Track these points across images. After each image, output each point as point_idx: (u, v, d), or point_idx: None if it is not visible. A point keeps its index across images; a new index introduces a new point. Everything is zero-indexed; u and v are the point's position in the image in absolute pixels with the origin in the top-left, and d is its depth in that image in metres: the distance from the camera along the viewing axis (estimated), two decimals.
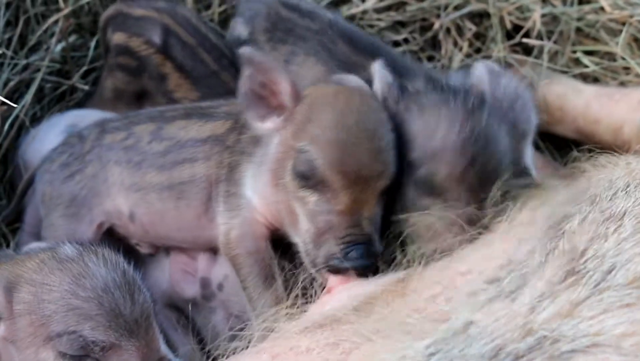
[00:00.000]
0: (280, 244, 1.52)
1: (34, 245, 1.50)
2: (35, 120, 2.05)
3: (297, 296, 1.43)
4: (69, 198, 1.65)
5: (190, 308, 1.59)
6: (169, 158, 1.58)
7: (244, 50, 1.46)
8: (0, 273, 1.31)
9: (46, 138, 1.95)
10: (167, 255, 1.67)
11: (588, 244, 1.21)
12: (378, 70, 1.51)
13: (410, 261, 1.40)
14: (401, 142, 1.43)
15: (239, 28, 1.95)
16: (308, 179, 1.37)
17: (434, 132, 1.41)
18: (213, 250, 1.62)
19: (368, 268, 1.37)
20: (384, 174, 1.38)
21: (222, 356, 1.39)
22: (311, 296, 1.43)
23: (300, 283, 1.45)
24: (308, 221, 1.39)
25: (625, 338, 0.99)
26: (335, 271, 1.38)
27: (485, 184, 1.41)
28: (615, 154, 1.51)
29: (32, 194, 1.88)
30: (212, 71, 1.87)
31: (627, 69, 2.06)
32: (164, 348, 1.32)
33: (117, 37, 1.94)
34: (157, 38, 1.90)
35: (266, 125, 1.46)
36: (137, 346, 1.28)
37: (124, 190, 1.61)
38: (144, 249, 1.65)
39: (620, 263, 1.13)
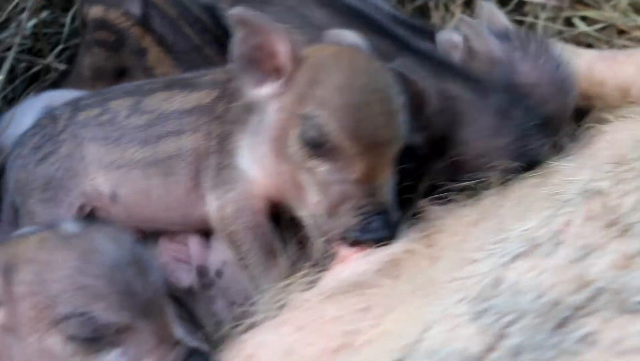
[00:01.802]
0: (280, 217, 1.42)
1: (25, 230, 1.36)
2: (7, 103, 1.92)
3: (305, 268, 1.32)
4: (43, 182, 1.52)
5: (188, 298, 1.48)
6: (153, 132, 1.47)
7: (235, 11, 1.32)
8: None
9: (22, 122, 1.82)
10: (156, 243, 1.54)
11: (622, 200, 1.15)
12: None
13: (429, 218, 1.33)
14: None
15: None
16: (318, 147, 1.25)
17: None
18: (204, 233, 1.51)
19: (388, 239, 1.27)
20: (398, 138, 1.28)
21: (235, 335, 1.29)
22: (321, 267, 1.32)
23: (306, 255, 1.36)
24: (318, 192, 1.28)
25: None
26: (354, 243, 1.27)
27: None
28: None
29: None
30: (195, 46, 1.75)
31: (622, 32, 2.02)
32: (179, 331, 1.21)
33: (94, 11, 1.81)
34: (136, 9, 1.77)
35: (263, 91, 1.34)
36: (152, 327, 1.17)
37: (102, 169, 1.49)
38: None
39: None
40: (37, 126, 1.59)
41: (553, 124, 1.51)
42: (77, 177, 1.50)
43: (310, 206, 1.30)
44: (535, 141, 1.42)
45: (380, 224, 1.25)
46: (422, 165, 1.41)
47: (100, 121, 1.50)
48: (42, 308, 1.14)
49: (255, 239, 1.38)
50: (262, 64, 1.33)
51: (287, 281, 1.29)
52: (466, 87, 1.44)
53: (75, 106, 1.57)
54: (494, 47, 1.54)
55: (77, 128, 1.52)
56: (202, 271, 1.50)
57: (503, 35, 1.59)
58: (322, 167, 1.27)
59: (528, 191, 1.30)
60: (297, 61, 1.31)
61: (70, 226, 1.22)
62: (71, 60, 1.99)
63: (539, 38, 1.65)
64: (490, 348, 0.96)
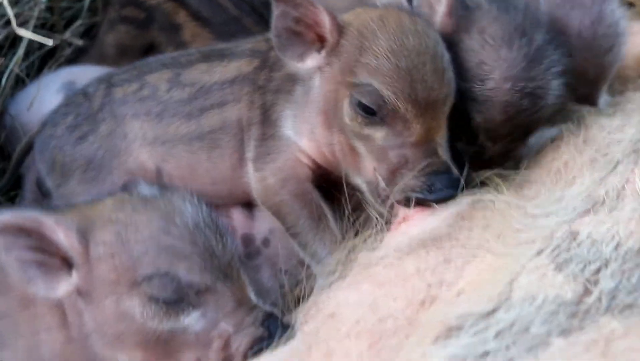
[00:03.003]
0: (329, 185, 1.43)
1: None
2: (21, 80, 1.87)
3: (363, 230, 1.33)
4: (84, 162, 1.50)
5: None
6: (196, 105, 1.45)
7: None
8: (69, 217, 1.16)
9: (43, 98, 1.79)
10: None
11: None
12: None
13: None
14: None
15: None
16: (374, 114, 1.26)
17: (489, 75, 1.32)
18: (247, 204, 1.51)
19: (454, 197, 1.27)
20: (450, 95, 1.29)
21: (302, 299, 1.30)
22: (380, 228, 1.31)
23: (360, 218, 1.36)
24: (376, 159, 1.28)
25: None
26: (418, 204, 1.27)
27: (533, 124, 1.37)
28: None
29: (32, 161, 1.71)
30: (233, 17, 1.74)
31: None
32: (253, 296, 1.21)
33: None
34: None
35: (306, 64, 1.34)
36: (231, 290, 1.17)
37: (147, 145, 1.47)
38: None
39: None
40: (70, 104, 1.55)
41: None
42: (120, 156, 1.48)
43: (367, 173, 1.31)
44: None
45: (444, 184, 1.26)
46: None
47: (140, 96, 1.48)
48: (122, 269, 1.13)
49: (305, 206, 1.38)
50: (303, 37, 1.32)
51: (350, 243, 1.30)
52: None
53: (109, 82, 1.53)
54: None
55: (116, 106, 1.49)
56: (247, 240, 1.50)
57: None
58: (379, 134, 1.27)
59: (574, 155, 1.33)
60: (340, 29, 1.30)
61: (146, 189, 1.21)
62: (84, 36, 1.96)
63: None
64: (585, 293, 1.01)
